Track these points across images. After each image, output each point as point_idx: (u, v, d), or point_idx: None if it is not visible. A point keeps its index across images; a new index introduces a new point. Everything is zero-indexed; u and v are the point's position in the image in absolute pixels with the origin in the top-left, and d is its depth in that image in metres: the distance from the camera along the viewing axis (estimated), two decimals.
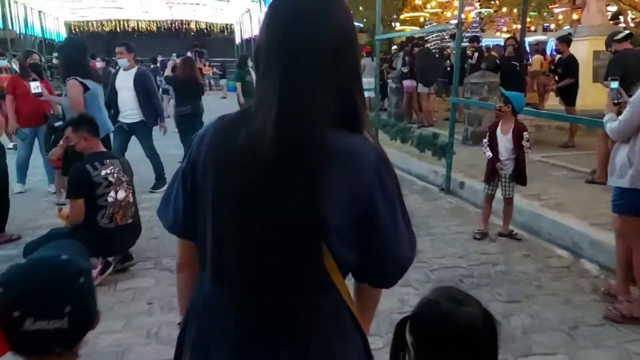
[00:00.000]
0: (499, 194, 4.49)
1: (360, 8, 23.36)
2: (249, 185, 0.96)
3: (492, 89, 7.93)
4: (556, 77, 8.24)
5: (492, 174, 4.46)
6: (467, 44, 11.49)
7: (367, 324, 1.20)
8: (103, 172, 3.30)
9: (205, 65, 22.00)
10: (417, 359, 1.19)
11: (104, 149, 3.55)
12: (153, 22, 30.54)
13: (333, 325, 1.06)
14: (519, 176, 4.38)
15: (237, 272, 1.00)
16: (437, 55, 11.56)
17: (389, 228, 1.03)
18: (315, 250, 0.98)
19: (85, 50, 4.77)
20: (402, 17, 22.42)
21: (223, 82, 22.52)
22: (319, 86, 0.97)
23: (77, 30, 29.06)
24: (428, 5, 22.35)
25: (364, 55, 13.63)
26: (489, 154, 4.41)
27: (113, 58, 17.63)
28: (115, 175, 3.36)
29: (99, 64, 14.41)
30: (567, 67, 7.78)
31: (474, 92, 8.04)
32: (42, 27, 22.35)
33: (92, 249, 3.38)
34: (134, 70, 5.65)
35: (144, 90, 5.63)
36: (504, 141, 4.35)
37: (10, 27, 18.27)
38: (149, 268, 3.81)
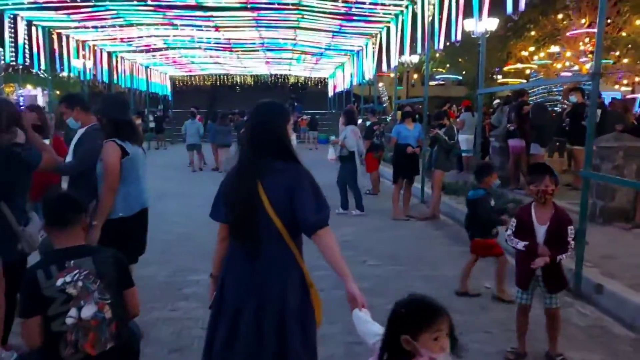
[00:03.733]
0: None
1: (460, 60, 22.15)
2: (234, 191, 2.36)
3: (630, 154, 6.27)
4: None
5: (527, 276, 3.37)
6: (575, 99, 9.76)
7: (336, 268, 2.22)
8: (59, 282, 2.29)
9: (299, 119, 21.74)
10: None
11: (77, 242, 2.46)
12: (252, 76, 31.46)
13: (281, 260, 2.28)
14: (558, 279, 3.36)
15: (239, 233, 2.34)
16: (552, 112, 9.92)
17: (300, 203, 2.23)
18: (264, 215, 2.25)
19: (126, 107, 3.95)
20: (505, 69, 20.82)
21: (312, 134, 22.04)
22: (264, 148, 2.33)
23: (181, 84, 30.53)
24: (535, 57, 20.56)
25: (462, 110, 12.29)
26: (521, 244, 3.31)
27: (219, 110, 18.18)
28: (80, 283, 2.32)
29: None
30: None
31: (605, 158, 6.41)
32: (147, 81, 23.43)
33: None
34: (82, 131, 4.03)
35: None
36: (541, 233, 3.30)
37: (115, 82, 19.16)
38: None
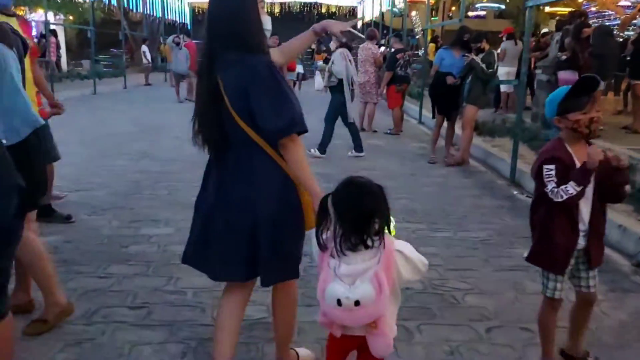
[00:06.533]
0: None
1: None
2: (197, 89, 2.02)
3: None
4: None
5: (568, 252, 2.20)
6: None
7: (303, 181, 1.88)
8: None
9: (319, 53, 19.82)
10: (338, 218, 1.62)
11: None
12: (280, 4, 29.49)
13: (250, 164, 1.90)
14: (601, 245, 2.29)
15: (204, 139, 1.98)
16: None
17: (255, 106, 1.81)
18: (227, 115, 1.87)
19: None
20: None
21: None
22: (221, 37, 1.88)
23: (202, 12, 28.86)
24: None
25: (504, 38, 10.64)
26: (573, 188, 2.07)
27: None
28: None
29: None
30: None
31: None
32: (163, 7, 21.93)
33: None
34: None
35: None
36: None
37: (125, 5, 17.82)
38: None
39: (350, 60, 6.68)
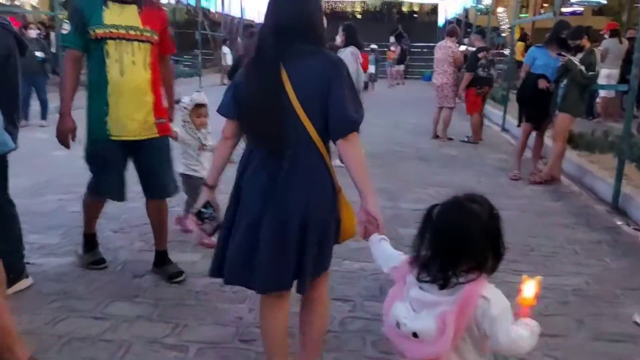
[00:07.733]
0: None
1: None
2: (251, 79, 1.87)
3: None
4: None
5: None
6: None
7: (360, 182, 1.82)
8: None
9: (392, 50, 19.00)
10: (431, 236, 1.44)
11: None
12: (361, 3, 29.18)
13: (308, 164, 1.82)
14: None
15: (258, 134, 1.87)
16: None
17: (338, 96, 1.77)
18: (287, 108, 1.78)
19: None
20: None
21: (400, 67, 19.18)
22: (290, 30, 1.82)
23: None
24: None
25: (606, 35, 9.31)
26: None
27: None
28: None
29: None
30: None
31: None
32: (241, 6, 22.00)
33: None
34: None
35: None
36: None
37: (202, 6, 17.93)
38: None
39: (360, 63, 5.75)
